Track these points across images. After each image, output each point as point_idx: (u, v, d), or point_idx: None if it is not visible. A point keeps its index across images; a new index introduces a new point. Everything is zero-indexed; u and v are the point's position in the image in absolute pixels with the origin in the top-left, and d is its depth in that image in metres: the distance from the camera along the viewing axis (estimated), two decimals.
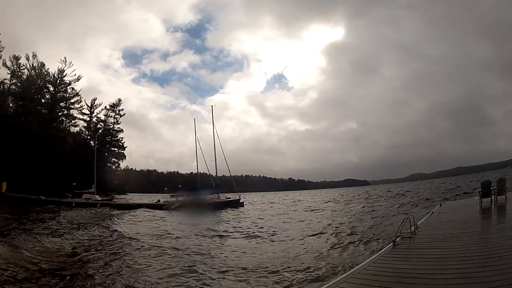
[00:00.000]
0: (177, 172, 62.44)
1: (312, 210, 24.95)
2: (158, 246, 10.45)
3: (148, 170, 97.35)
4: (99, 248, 10.16)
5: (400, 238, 6.37)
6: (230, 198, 32.88)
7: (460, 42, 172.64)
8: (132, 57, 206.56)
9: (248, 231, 14.34)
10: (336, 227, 14.04)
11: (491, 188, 10.05)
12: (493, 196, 9.92)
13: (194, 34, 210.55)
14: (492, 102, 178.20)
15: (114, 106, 54.07)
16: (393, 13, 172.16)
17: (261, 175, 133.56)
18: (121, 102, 54.67)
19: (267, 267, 7.90)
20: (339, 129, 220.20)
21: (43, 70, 44.83)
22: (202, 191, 33.00)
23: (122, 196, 51.76)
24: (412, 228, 6.69)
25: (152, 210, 26.52)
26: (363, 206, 24.28)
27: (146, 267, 7.96)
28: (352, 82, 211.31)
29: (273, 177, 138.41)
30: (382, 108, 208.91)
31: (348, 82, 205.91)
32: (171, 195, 32.70)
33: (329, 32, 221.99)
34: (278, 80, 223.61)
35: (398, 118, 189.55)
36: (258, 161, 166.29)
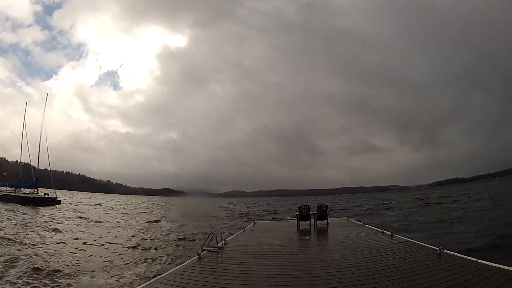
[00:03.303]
0: (4, 158, 58.22)
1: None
2: None
3: None
4: None
5: (206, 252, 6.24)
6: (48, 194, 32.33)
7: (306, 74, 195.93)
8: None
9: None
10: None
11: (311, 212, 11.06)
12: (312, 220, 10.88)
13: (49, 11, 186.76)
14: (325, 135, 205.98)
15: None
16: (240, 31, 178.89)
17: (81, 174, 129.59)
18: None
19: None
20: (160, 137, 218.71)
21: None
22: (22, 184, 32.66)
23: None
24: (220, 244, 6.66)
25: None
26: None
27: None
28: (180, 92, 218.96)
29: (92, 177, 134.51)
30: (206, 123, 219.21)
31: (176, 91, 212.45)
32: None
33: (167, 36, 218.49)
34: (111, 77, 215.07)
35: (222, 135, 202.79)
36: (76, 158, 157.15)
